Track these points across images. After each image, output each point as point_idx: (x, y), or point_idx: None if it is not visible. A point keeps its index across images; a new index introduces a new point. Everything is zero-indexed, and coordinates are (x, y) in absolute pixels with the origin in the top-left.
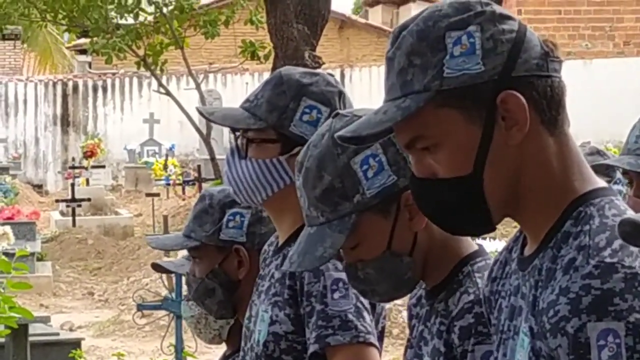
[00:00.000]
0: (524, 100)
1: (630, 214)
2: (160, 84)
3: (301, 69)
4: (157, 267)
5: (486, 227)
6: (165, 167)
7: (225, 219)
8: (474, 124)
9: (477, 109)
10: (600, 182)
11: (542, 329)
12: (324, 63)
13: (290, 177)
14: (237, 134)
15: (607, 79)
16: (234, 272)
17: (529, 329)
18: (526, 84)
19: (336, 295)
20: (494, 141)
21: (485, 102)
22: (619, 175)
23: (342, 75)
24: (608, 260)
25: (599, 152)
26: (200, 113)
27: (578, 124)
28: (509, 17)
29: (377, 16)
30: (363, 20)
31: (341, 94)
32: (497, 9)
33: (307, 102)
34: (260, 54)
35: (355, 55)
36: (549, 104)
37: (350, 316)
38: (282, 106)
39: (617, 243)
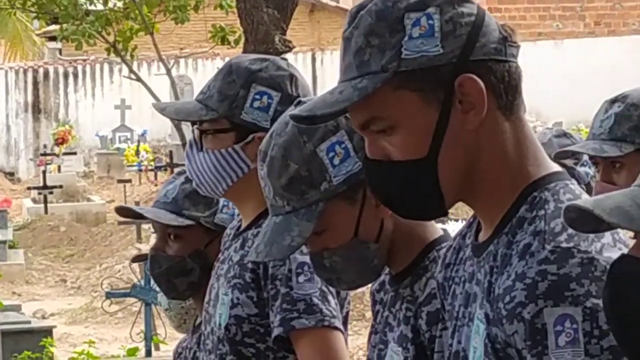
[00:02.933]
0: (482, 84)
1: (585, 197)
2: (130, 70)
3: (252, 56)
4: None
5: (439, 211)
6: (137, 153)
7: (221, 204)
8: (430, 107)
9: (434, 91)
10: (555, 167)
11: (498, 315)
12: (294, 47)
13: (247, 164)
14: (194, 126)
15: (578, 60)
16: (214, 256)
17: (485, 316)
18: (484, 68)
19: (301, 278)
20: (450, 125)
21: (443, 85)
22: (585, 157)
23: (314, 59)
24: (564, 245)
25: (565, 135)
26: (155, 108)
27: (549, 105)
28: (467, 0)
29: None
30: (334, 4)
31: (292, 77)
32: None
33: (257, 89)
34: (231, 38)
35: (327, 39)
36: (506, 89)
37: (315, 300)
38: (232, 95)
39: None
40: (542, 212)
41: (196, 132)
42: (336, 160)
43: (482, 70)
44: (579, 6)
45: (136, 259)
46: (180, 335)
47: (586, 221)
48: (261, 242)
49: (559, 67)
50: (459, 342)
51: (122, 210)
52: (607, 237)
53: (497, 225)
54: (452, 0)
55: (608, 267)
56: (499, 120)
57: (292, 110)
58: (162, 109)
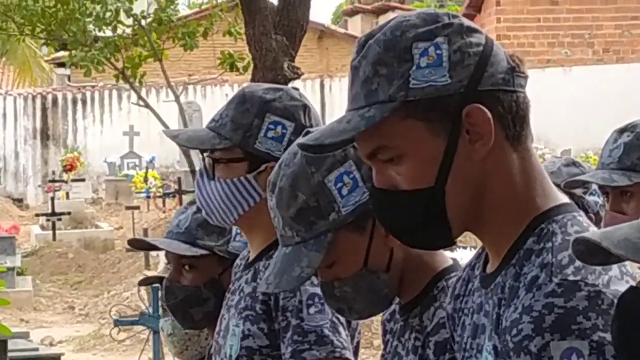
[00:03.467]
0: (489, 114)
1: (592, 230)
2: (139, 97)
3: (265, 85)
4: (145, 281)
5: (446, 241)
6: (146, 179)
7: (234, 232)
8: (438, 137)
9: (442, 121)
10: (563, 198)
11: (505, 348)
12: (303, 74)
13: (259, 194)
14: (205, 154)
15: (587, 87)
16: (229, 285)
17: (493, 348)
18: (492, 98)
19: (312, 310)
20: (457, 155)
21: (451, 115)
22: (594, 186)
23: (322, 85)
24: (571, 278)
25: (574, 164)
26: (166, 135)
27: (558, 132)
28: (476, 30)
29: (356, 26)
30: (342, 30)
31: (306, 108)
32: (465, 21)
33: (271, 118)
34: (239, 65)
35: (335, 65)
36: (514, 119)
37: (326, 331)
38: (246, 124)
39: None
40: (550, 244)
41: (208, 160)
42: (344, 191)
43: (490, 101)
44: (588, 33)
45: (143, 282)
46: None
47: (594, 254)
48: (271, 273)
49: (567, 94)
50: None
51: (135, 242)
52: (615, 270)
53: (504, 256)
54: (461, 30)
55: (615, 300)
56: (506, 150)
57: (300, 140)
58: (174, 136)
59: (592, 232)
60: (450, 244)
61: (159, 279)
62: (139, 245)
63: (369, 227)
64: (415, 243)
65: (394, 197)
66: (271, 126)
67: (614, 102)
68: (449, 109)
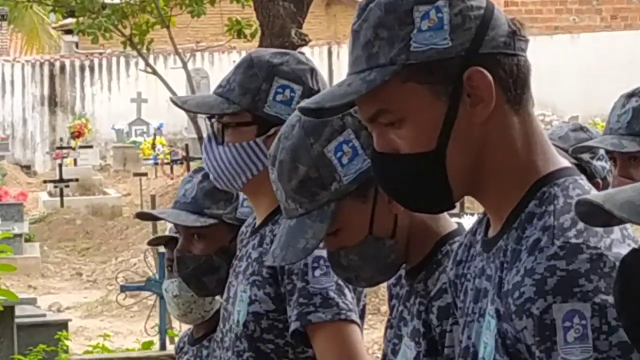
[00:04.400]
0: (490, 77)
1: (594, 193)
2: (147, 64)
3: (271, 50)
4: (155, 241)
5: (446, 204)
6: (154, 146)
7: (241, 199)
8: (439, 100)
9: (443, 84)
10: (564, 162)
11: (507, 311)
12: (310, 40)
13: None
14: (213, 120)
15: (595, 54)
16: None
17: (495, 311)
18: (493, 61)
19: (317, 272)
20: (458, 118)
21: (452, 78)
22: (602, 151)
23: (330, 52)
24: (573, 240)
25: (582, 129)
26: (174, 102)
27: (566, 99)
28: None
29: None
30: None
31: (313, 71)
32: None
33: (279, 82)
34: (247, 32)
35: (343, 32)
36: (515, 83)
37: (331, 294)
38: (254, 88)
39: (583, 223)
40: (552, 207)
41: (216, 125)
42: (345, 160)
43: (491, 64)
44: (596, 0)
45: (152, 241)
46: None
47: (597, 215)
48: (277, 246)
49: (575, 61)
50: (469, 337)
51: (143, 215)
52: (616, 232)
53: (506, 220)
54: None
55: (617, 263)
56: (507, 114)
57: (301, 104)
58: (183, 102)
59: (595, 194)
60: (451, 207)
61: (169, 238)
62: (147, 217)
63: (371, 195)
64: (416, 206)
65: (394, 160)
66: (279, 90)
67: (622, 69)
68: (450, 72)
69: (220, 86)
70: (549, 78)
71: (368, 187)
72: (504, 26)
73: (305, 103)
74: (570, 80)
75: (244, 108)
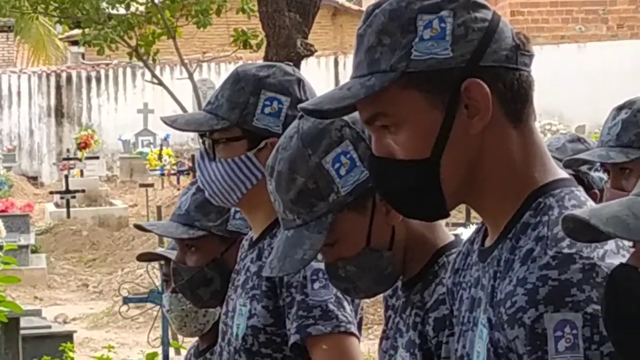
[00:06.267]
0: (488, 89)
1: (589, 205)
2: (153, 75)
3: (258, 63)
4: (144, 257)
5: (439, 212)
6: (160, 157)
7: (232, 211)
8: (436, 109)
9: (441, 94)
10: (562, 173)
11: (499, 320)
12: (316, 50)
13: (261, 171)
14: (204, 137)
15: (601, 62)
16: (233, 263)
17: (487, 320)
18: (493, 74)
19: (316, 285)
20: (454, 128)
21: (450, 88)
22: (599, 163)
23: (336, 62)
24: (566, 250)
25: (579, 140)
26: (164, 122)
27: (573, 108)
28: (483, 6)
29: (370, 3)
30: (356, 7)
31: (300, 82)
32: None
33: (266, 95)
34: (253, 42)
35: (349, 42)
36: (514, 97)
37: (331, 306)
38: (242, 102)
39: None
40: (546, 218)
41: (207, 142)
42: (342, 171)
43: (490, 77)
44: (602, 9)
45: (141, 257)
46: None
47: (584, 231)
48: (274, 257)
49: (581, 70)
50: (464, 346)
51: (139, 227)
52: (611, 243)
53: (502, 230)
54: (467, 4)
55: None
56: (505, 127)
57: (302, 128)
58: (172, 121)
59: (582, 210)
60: (443, 215)
61: (158, 256)
62: (141, 229)
63: (369, 206)
64: (409, 212)
65: (390, 165)
66: (267, 102)
67: (629, 78)
68: (449, 82)
69: (209, 103)
70: (556, 87)
71: (366, 198)
72: (507, 40)
73: (305, 104)
74: (576, 90)
75: (233, 123)
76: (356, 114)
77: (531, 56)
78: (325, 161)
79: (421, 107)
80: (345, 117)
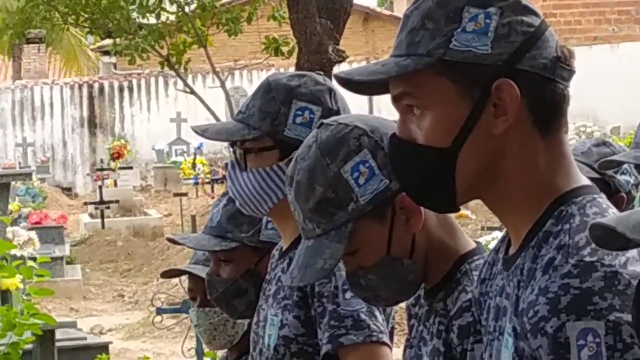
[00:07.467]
0: (518, 93)
1: (612, 212)
2: (185, 84)
3: (289, 73)
4: (168, 274)
5: (448, 205)
6: (194, 166)
7: (264, 221)
8: (465, 102)
9: (472, 88)
10: (585, 180)
11: (523, 330)
12: (348, 57)
13: None
14: (235, 147)
15: (635, 63)
16: (266, 273)
17: (513, 330)
18: (527, 80)
19: (348, 295)
20: (479, 124)
21: (482, 84)
22: (626, 165)
23: None
24: (588, 259)
25: (605, 144)
26: (195, 132)
27: (607, 109)
28: (533, 12)
29: (402, 8)
30: (388, 13)
31: (331, 91)
32: (524, 1)
33: (298, 105)
34: (285, 49)
35: (381, 48)
36: (546, 107)
37: (362, 316)
38: (274, 112)
39: None
40: (568, 226)
41: (239, 152)
42: (362, 180)
43: (524, 82)
44: (635, 10)
45: (165, 274)
46: None
47: (612, 239)
48: (295, 267)
49: (615, 71)
50: (491, 356)
51: (171, 241)
52: (633, 251)
53: (524, 239)
54: (517, 7)
55: (632, 281)
56: (531, 134)
57: (321, 138)
58: (203, 131)
59: (608, 218)
60: (452, 209)
61: (182, 272)
62: (174, 243)
63: (389, 215)
64: (419, 199)
65: (409, 148)
66: (299, 112)
67: None
68: (482, 78)
69: (240, 112)
70: (590, 89)
71: (385, 207)
72: (550, 50)
73: (340, 72)
74: (610, 91)
75: (265, 133)
76: (374, 123)
77: (571, 72)
78: (344, 170)
79: (450, 96)
80: (364, 126)
